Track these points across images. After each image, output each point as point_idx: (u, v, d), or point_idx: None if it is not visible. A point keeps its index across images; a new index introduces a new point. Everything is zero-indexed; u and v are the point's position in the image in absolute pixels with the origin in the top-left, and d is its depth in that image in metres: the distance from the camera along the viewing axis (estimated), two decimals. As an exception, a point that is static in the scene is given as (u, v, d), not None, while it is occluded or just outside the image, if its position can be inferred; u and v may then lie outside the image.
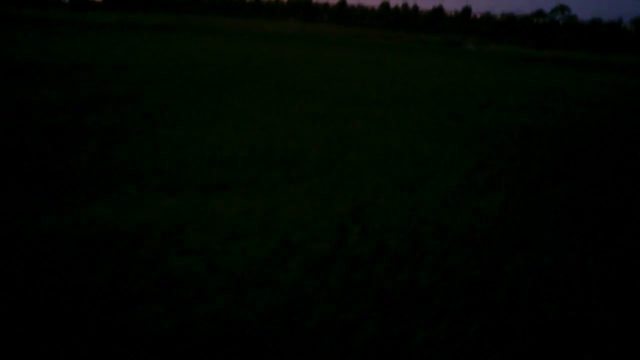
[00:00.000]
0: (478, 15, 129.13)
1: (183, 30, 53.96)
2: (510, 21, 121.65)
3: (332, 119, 10.14)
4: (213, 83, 13.97)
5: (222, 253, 4.06)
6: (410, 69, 25.23)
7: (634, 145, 9.74)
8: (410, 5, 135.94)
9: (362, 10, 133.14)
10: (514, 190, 6.45)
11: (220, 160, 6.66)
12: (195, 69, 17.09)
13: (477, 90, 17.11)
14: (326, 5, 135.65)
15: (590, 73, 34.22)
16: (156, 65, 17.59)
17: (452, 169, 7.15)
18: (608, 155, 8.77)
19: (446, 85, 17.99)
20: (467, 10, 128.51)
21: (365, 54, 37.06)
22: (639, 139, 10.48)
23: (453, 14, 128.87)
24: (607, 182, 7.15)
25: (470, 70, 27.28)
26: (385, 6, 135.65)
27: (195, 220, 4.67)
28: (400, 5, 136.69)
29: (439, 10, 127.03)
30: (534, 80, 24.04)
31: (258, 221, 4.78)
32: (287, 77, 16.75)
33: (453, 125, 10.30)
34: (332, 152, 7.51)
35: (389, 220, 5.06)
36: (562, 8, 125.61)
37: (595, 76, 30.81)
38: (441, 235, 4.81)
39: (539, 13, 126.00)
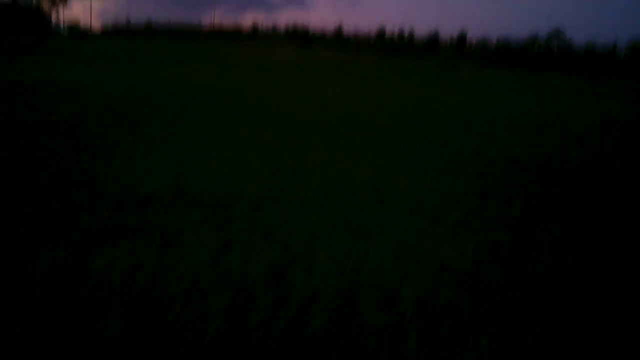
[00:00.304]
0: (474, 41, 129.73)
1: (177, 58, 53.47)
2: (505, 46, 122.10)
3: (292, 146, 9.01)
4: (174, 111, 12.91)
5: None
6: (395, 94, 24.30)
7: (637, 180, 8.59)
8: (406, 32, 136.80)
9: (358, 37, 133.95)
10: (491, 235, 5.27)
11: (132, 201, 5.48)
12: (162, 97, 16.08)
13: (463, 116, 16.05)
14: (323, 32, 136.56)
15: (585, 99, 33.41)
16: (121, 90, 16.59)
17: (419, 207, 5.97)
18: (611, 191, 7.60)
19: (429, 111, 16.95)
20: (462, 36, 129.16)
21: (353, 79, 36.32)
22: None
23: (449, 40, 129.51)
24: (612, 229, 5.96)
25: (460, 96, 26.36)
26: (381, 33, 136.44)
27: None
28: (396, 32, 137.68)
29: (434, 37, 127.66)
30: (526, 106, 23.10)
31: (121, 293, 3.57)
32: (256, 103, 15.72)
33: (429, 155, 9.16)
34: (276, 187, 6.34)
35: (319, 283, 3.86)
36: (558, 33, 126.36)
37: (591, 103, 29.97)
38: (386, 308, 3.60)
39: (535, 38, 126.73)
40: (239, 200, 5.72)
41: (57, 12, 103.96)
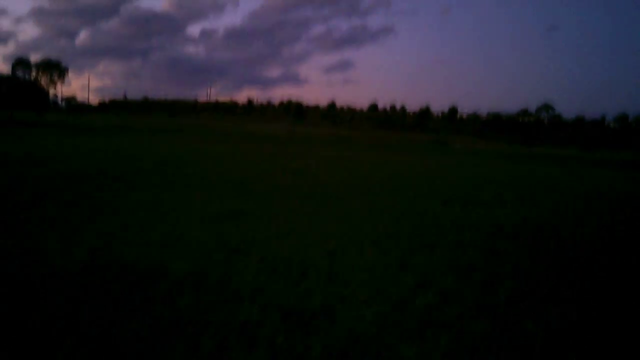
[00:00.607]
0: (464, 115, 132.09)
1: (166, 130, 53.64)
2: (496, 120, 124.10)
3: (249, 216, 8.03)
4: (132, 179, 12.05)
5: None
6: (378, 164, 23.68)
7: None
8: (398, 106, 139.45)
9: (351, 111, 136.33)
10: (467, 329, 4.20)
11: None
12: (127, 165, 15.31)
13: (448, 185, 15.24)
14: (316, 107, 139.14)
15: (574, 168, 33.07)
16: (91, 160, 15.82)
17: (383, 290, 4.92)
18: (609, 265, 6.57)
19: (412, 180, 16.16)
20: (453, 110, 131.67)
21: (340, 151, 36.02)
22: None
23: (440, 114, 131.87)
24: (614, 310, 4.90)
25: (449, 166, 25.78)
26: (373, 107, 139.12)
27: None
28: (388, 106, 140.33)
29: (426, 111, 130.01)
30: (515, 175, 22.46)
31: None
32: (225, 173, 14.90)
33: (404, 225, 8.17)
34: (211, 265, 5.28)
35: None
36: (547, 107, 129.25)
37: (581, 171, 29.57)
38: None
39: (524, 112, 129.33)
40: (161, 279, 4.66)
41: (55, 87, 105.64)
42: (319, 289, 4.81)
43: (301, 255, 5.83)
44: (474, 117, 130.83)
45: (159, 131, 49.12)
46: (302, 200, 10.01)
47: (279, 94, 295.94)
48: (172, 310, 4.06)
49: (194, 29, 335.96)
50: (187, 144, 29.41)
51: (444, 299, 4.82)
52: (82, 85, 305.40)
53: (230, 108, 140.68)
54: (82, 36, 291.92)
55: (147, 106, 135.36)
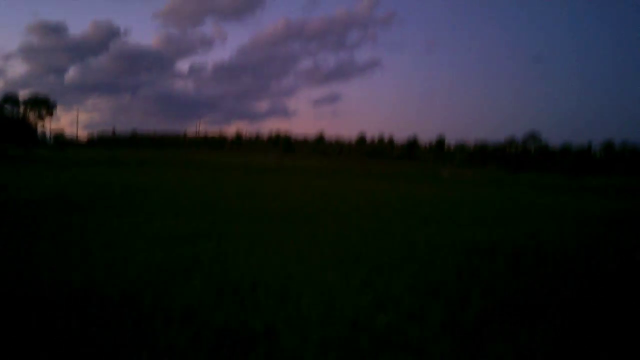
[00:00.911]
0: (452, 145, 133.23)
1: (152, 163, 53.22)
2: (483, 149, 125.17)
3: (207, 238, 7.54)
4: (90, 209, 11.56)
5: None
6: (360, 190, 23.30)
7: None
8: (386, 137, 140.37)
9: (339, 143, 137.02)
10: (430, 348, 3.73)
11: None
12: (95, 194, 14.82)
13: (425, 207, 14.86)
14: (305, 139, 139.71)
15: (558, 193, 32.99)
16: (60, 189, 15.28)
17: (339, 310, 4.44)
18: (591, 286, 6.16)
19: (392, 204, 15.77)
20: (441, 140, 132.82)
21: (325, 180, 35.69)
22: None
23: (428, 144, 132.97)
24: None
25: (431, 192, 25.43)
26: (362, 139, 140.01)
27: None
28: (376, 137, 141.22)
29: (413, 142, 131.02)
30: (497, 198, 22.18)
31: None
32: (194, 197, 14.43)
33: (374, 245, 7.71)
34: (151, 286, 4.77)
35: None
36: (534, 136, 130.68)
37: (564, 196, 29.46)
38: None
39: (511, 141, 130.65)
40: (89, 300, 4.15)
41: (43, 122, 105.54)
42: (267, 310, 4.32)
43: (254, 276, 5.35)
44: (462, 147, 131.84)
45: (145, 164, 48.64)
46: (269, 223, 9.55)
47: (268, 127, 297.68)
48: (85, 331, 3.55)
49: (183, 65, 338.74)
50: (166, 175, 28.93)
51: (407, 318, 4.35)
52: (71, 120, 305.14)
53: (219, 142, 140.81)
54: (71, 72, 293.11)
55: (135, 140, 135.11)
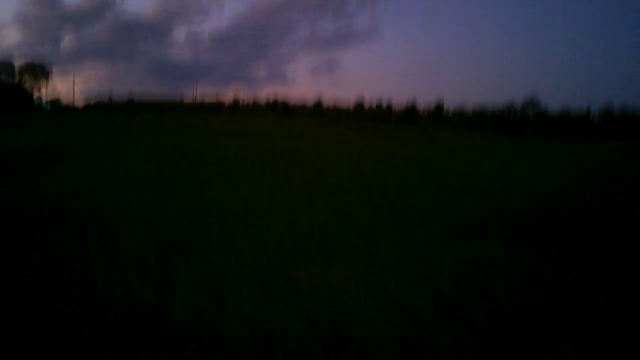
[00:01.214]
0: (451, 109, 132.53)
1: (148, 129, 53.15)
2: (482, 114, 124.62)
3: (176, 177, 7.78)
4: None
5: None
6: (361, 150, 23.50)
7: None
8: (384, 103, 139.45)
9: (337, 109, 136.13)
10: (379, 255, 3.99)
11: None
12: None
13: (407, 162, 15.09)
14: (303, 105, 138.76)
15: (557, 158, 33.20)
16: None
17: (293, 222, 4.70)
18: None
19: (373, 159, 15.98)
20: (439, 106, 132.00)
21: (325, 142, 35.79)
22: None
23: (426, 109, 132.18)
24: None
25: (430, 152, 25.64)
26: (360, 105, 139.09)
27: None
28: (374, 104, 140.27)
29: (412, 108, 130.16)
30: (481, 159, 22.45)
31: None
32: (176, 149, 14.64)
33: (334, 175, 7.97)
34: (112, 202, 5.02)
35: None
36: (532, 102, 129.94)
37: (559, 161, 29.69)
38: None
39: (510, 107, 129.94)
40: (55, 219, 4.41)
41: (40, 89, 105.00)
42: (228, 225, 4.58)
43: (220, 204, 5.60)
44: (460, 113, 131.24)
45: (141, 129, 48.62)
46: (237, 167, 9.80)
47: (266, 92, 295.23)
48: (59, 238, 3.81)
49: (180, 32, 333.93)
50: (154, 136, 29.04)
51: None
52: (67, 88, 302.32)
53: (217, 107, 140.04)
54: (67, 40, 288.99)
55: (132, 107, 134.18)
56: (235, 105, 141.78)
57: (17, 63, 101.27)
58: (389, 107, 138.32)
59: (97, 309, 3.07)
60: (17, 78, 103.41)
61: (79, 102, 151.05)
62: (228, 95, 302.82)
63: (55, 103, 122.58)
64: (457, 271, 4.10)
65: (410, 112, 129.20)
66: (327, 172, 10.29)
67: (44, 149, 12.70)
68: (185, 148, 17.02)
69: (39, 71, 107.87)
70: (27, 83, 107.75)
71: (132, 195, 5.57)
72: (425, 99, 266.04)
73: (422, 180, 9.26)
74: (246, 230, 4.60)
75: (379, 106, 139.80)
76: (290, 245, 4.38)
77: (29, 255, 3.66)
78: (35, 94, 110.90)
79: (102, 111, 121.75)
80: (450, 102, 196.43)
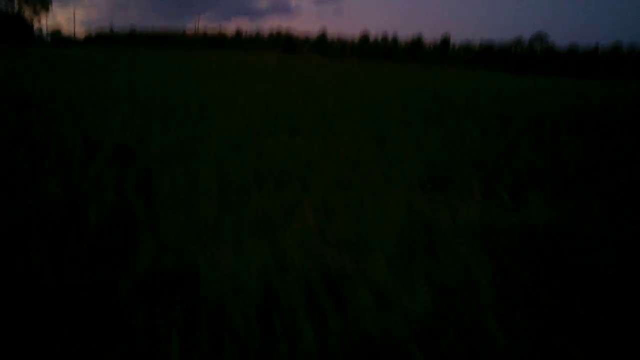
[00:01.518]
0: (457, 44, 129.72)
1: (149, 61, 52.97)
2: (489, 49, 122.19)
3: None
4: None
5: None
6: (369, 78, 23.82)
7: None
8: (390, 36, 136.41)
9: (342, 42, 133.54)
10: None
11: None
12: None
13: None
14: (307, 38, 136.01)
15: (564, 86, 33.35)
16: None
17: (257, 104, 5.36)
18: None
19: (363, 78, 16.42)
20: (445, 39, 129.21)
21: (329, 72, 35.91)
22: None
23: (432, 43, 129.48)
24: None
25: (436, 79, 25.90)
26: (365, 38, 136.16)
27: None
28: (380, 37, 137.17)
29: (418, 41, 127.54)
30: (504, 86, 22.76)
31: None
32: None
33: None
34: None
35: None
36: (541, 36, 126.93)
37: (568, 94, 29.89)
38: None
39: (518, 41, 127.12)
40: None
41: (40, 20, 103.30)
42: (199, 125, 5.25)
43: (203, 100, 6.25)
44: (466, 47, 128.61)
45: (141, 61, 48.49)
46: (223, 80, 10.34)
47: (269, 25, 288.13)
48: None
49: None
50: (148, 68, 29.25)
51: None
52: (68, 18, 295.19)
53: (219, 40, 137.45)
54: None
55: (134, 38, 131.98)
56: (238, 38, 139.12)
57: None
58: (395, 41, 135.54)
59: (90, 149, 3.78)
60: (16, 8, 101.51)
61: (80, 33, 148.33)
62: (230, 27, 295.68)
63: (55, 34, 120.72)
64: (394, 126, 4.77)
65: (416, 47, 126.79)
66: (317, 85, 10.90)
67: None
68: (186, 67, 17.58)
69: (39, 1, 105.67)
70: (27, 13, 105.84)
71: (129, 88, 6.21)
72: (431, 32, 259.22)
73: (404, 86, 9.83)
74: (225, 112, 5.27)
75: (384, 39, 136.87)
76: (262, 124, 5.07)
77: None
78: (36, 25, 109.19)
79: (103, 43, 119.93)
80: (457, 36, 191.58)
